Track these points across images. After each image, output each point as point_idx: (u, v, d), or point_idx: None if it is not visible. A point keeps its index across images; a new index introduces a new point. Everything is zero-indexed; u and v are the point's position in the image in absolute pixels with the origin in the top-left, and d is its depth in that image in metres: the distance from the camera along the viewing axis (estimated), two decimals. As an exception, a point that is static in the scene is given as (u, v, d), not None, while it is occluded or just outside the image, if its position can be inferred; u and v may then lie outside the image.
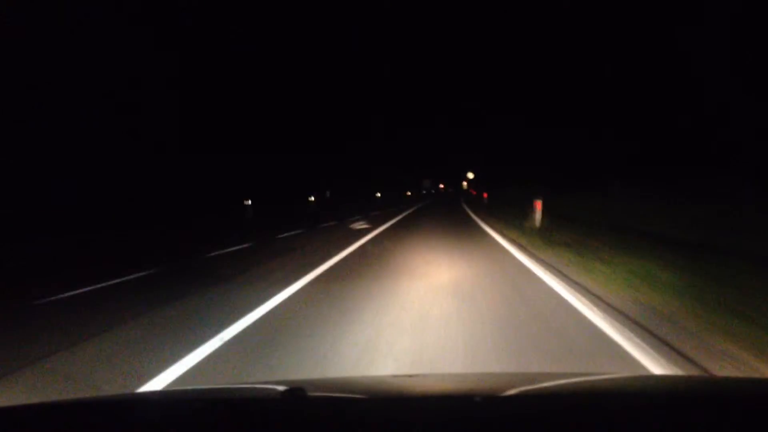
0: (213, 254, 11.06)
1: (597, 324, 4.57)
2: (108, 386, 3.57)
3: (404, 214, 25.36)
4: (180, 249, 13.13)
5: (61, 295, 6.90)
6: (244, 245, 12.58)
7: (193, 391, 2.35)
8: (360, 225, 18.17)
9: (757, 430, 1.13)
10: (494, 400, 1.44)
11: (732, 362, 3.56)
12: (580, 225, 13.98)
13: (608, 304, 5.21)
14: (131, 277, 8.27)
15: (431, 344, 4.15)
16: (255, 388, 2.09)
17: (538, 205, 14.15)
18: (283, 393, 1.37)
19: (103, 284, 7.64)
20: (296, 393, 1.36)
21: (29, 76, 18.38)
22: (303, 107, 47.83)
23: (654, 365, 3.53)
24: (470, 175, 51.62)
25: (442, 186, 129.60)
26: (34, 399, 3.31)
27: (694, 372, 3.39)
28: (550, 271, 7.30)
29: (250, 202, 23.20)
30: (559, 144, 34.30)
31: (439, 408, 1.36)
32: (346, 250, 10.74)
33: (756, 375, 3.33)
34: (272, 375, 3.54)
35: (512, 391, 1.67)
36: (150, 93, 23.56)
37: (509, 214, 18.52)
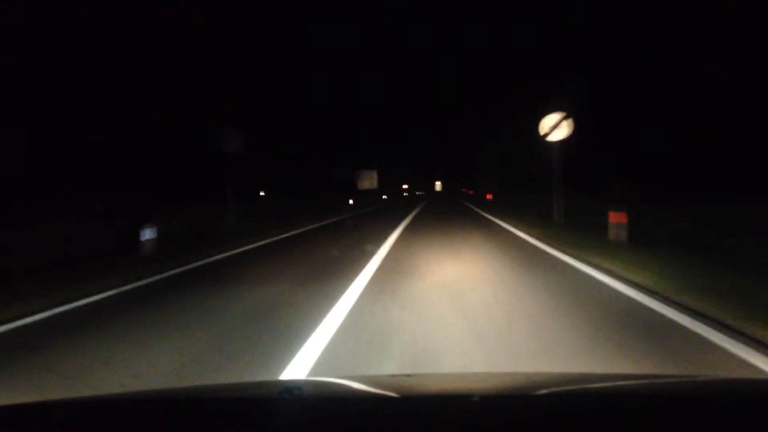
0: None
1: None
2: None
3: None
4: None
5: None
6: None
7: (191, 389, 2.35)
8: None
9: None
10: (492, 400, 1.43)
11: None
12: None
13: None
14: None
15: None
16: (252, 387, 2.09)
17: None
18: (280, 392, 1.36)
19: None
20: (293, 392, 1.36)
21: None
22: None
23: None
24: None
25: (406, 187, 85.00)
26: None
27: None
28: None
29: None
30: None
31: (437, 408, 1.36)
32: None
33: None
34: None
35: (510, 391, 1.66)
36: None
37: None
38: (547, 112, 15.81)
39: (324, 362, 3.87)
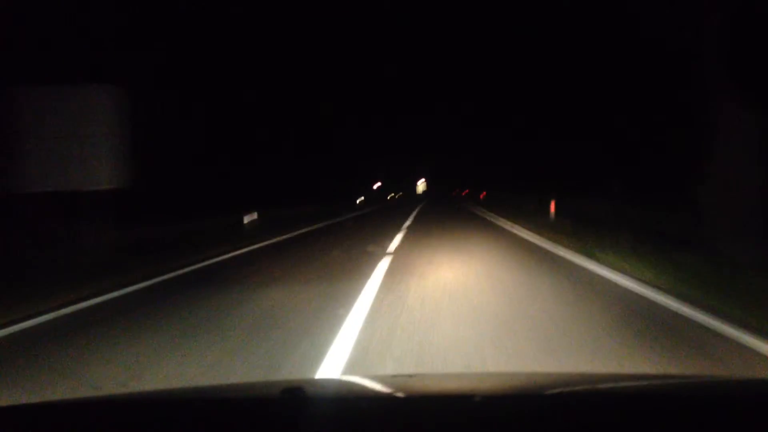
0: None
1: None
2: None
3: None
4: None
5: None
6: None
7: (192, 390, 2.34)
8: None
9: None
10: (494, 400, 1.43)
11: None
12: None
13: None
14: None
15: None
16: (254, 388, 2.09)
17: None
18: (282, 393, 1.36)
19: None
20: (295, 393, 1.36)
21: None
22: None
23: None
24: None
25: (378, 184, 65.30)
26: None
27: None
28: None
29: None
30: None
31: (439, 408, 1.35)
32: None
33: None
34: None
35: (512, 391, 1.66)
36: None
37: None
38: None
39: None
